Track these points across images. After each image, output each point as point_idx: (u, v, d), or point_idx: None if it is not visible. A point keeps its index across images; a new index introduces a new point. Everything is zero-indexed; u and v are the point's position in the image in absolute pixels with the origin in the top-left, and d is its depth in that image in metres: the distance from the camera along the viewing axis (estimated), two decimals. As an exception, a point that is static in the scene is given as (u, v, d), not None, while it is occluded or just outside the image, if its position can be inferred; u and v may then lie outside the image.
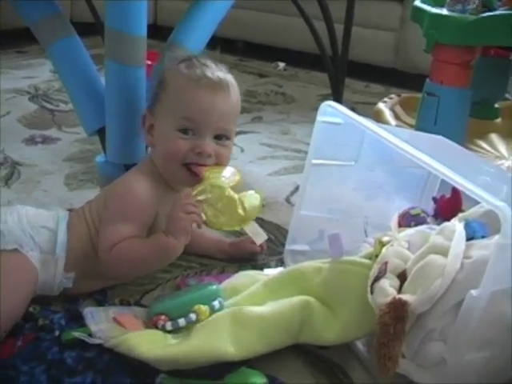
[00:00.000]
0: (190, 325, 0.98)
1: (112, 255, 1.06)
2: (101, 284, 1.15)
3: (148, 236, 1.11)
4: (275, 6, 3.12)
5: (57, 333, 1.02)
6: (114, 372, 0.93)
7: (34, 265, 1.07)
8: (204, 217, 1.05)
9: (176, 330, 0.99)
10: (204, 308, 0.99)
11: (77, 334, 0.98)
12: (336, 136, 1.24)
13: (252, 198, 1.09)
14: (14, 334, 1.02)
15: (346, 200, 1.29)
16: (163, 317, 1.01)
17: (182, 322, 0.98)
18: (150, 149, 1.19)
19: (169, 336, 0.98)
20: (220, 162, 1.12)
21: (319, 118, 1.21)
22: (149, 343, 0.94)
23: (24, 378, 0.92)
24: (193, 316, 0.98)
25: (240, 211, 1.06)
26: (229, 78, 1.14)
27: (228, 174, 1.09)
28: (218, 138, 1.12)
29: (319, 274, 1.07)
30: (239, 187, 1.09)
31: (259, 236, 1.11)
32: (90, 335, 0.98)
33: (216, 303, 1.01)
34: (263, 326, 0.98)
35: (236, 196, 1.06)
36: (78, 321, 1.05)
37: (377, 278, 0.95)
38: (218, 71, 1.13)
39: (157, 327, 1.00)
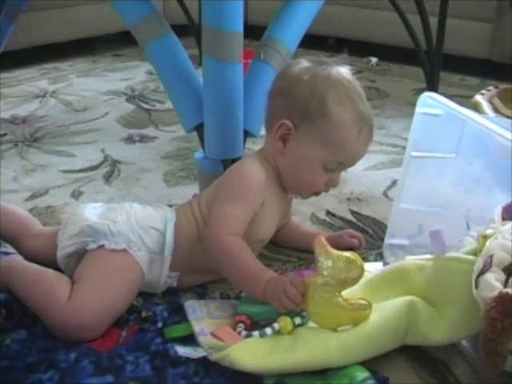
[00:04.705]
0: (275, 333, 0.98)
1: (219, 242, 1.06)
2: (201, 279, 1.17)
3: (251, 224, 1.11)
4: (366, 1, 3.09)
5: (160, 324, 1.05)
6: (215, 363, 0.93)
7: (140, 265, 1.09)
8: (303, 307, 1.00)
9: (273, 337, 0.98)
10: (288, 321, 0.98)
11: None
12: (435, 128, 1.21)
13: (362, 307, 0.99)
14: (119, 325, 1.05)
15: (444, 193, 1.27)
16: (244, 317, 1.01)
17: (268, 331, 0.97)
18: (266, 144, 1.20)
19: (268, 344, 0.96)
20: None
21: (418, 109, 1.19)
22: (251, 355, 0.93)
23: (130, 367, 0.95)
24: (276, 326, 0.98)
25: (343, 319, 0.97)
26: None
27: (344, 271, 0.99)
28: None
29: (423, 272, 1.04)
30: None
31: None
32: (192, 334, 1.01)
33: (297, 319, 0.99)
34: (371, 332, 0.96)
35: (347, 304, 0.97)
36: (180, 313, 1.07)
37: (482, 272, 0.92)
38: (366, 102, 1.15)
39: (234, 329, 1.00)
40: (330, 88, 1.11)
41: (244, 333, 0.98)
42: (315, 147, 1.11)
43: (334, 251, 0.98)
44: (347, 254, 0.98)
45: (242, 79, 1.26)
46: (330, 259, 0.97)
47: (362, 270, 0.97)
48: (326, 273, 0.97)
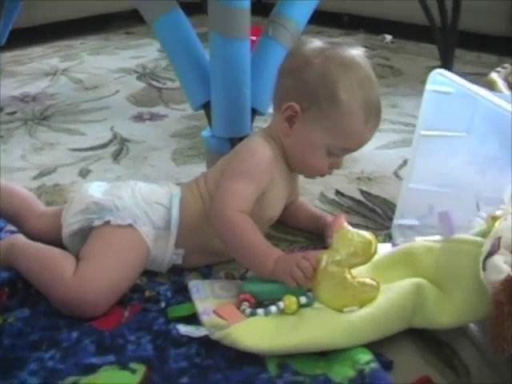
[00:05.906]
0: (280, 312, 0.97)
1: (225, 218, 1.05)
2: (207, 260, 1.16)
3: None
4: (381, -22, 3.05)
5: (163, 304, 1.04)
6: (218, 343, 0.92)
7: (146, 241, 1.08)
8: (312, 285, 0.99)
9: (275, 316, 0.97)
10: (293, 300, 0.97)
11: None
12: (446, 106, 1.19)
13: (370, 288, 0.98)
14: (122, 304, 1.04)
15: (456, 173, 1.24)
16: (249, 296, 1.00)
17: (273, 309, 0.97)
18: (273, 122, 1.17)
19: (272, 325, 0.95)
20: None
21: (428, 87, 1.16)
22: (253, 335, 0.92)
23: (131, 347, 0.95)
24: (281, 304, 0.97)
25: (351, 298, 0.96)
26: None
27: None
28: None
29: (431, 254, 1.02)
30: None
31: None
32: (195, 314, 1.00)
33: (303, 298, 0.98)
34: (377, 314, 0.94)
35: (356, 282, 0.97)
36: (184, 293, 1.06)
37: (489, 254, 0.90)
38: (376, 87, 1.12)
39: (238, 308, 0.99)
40: (341, 74, 1.08)
41: (248, 310, 0.98)
42: (321, 133, 1.09)
43: (352, 229, 0.99)
44: (365, 233, 0.98)
45: (250, 56, 1.24)
46: (346, 237, 0.98)
47: (376, 251, 0.97)
48: (340, 249, 0.97)
